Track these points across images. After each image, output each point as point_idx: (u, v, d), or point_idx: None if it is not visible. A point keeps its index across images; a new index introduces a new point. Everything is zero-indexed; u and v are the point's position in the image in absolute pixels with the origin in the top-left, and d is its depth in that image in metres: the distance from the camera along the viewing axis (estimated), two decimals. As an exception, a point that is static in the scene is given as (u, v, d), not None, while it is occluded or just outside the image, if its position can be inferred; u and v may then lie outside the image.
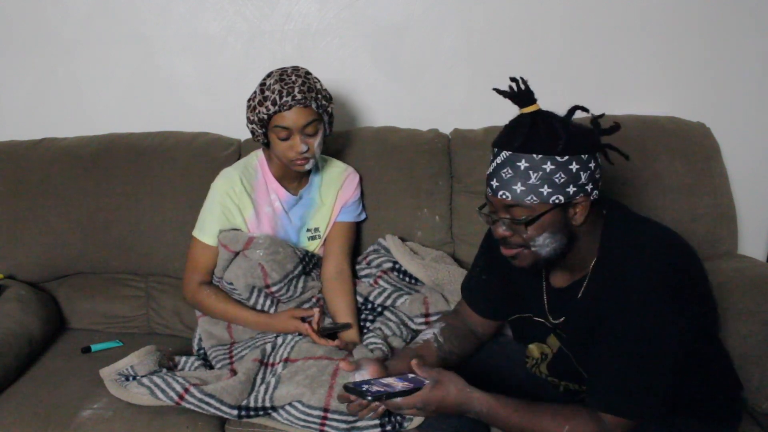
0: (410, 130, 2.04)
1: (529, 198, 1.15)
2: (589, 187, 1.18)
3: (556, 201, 1.16)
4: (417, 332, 1.68)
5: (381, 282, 1.79)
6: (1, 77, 2.15)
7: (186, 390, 1.48)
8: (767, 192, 2.19)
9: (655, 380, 1.17)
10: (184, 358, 1.69)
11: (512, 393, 1.25)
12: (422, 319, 1.69)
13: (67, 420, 1.49)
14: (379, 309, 1.73)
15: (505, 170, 1.17)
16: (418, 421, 1.43)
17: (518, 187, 1.16)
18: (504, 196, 1.17)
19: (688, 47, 2.09)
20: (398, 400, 1.20)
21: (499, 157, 1.19)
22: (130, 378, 1.55)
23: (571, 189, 1.16)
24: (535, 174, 1.14)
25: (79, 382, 1.62)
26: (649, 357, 1.16)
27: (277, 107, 1.57)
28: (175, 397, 1.48)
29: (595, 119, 1.24)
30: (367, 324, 1.73)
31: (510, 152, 1.17)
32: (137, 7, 2.08)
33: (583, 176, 1.16)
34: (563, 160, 1.14)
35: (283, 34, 2.10)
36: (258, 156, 1.78)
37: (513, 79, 1.21)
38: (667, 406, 1.20)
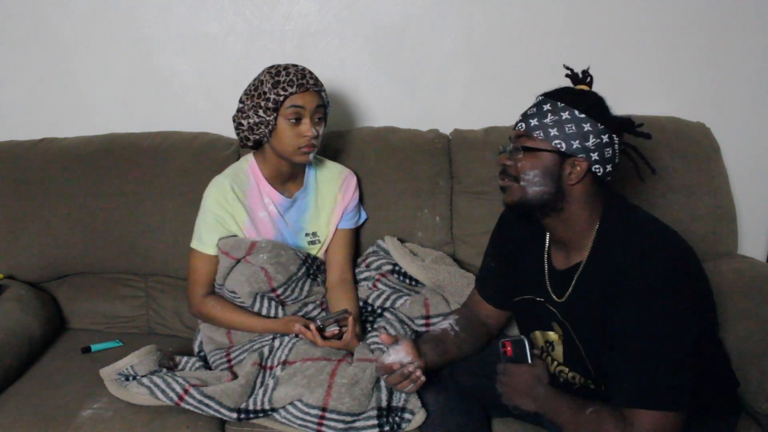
0: (410, 130, 2.04)
1: (537, 132, 1.27)
2: (593, 155, 1.25)
3: (558, 146, 1.25)
4: (418, 333, 1.68)
5: (380, 285, 1.78)
6: (1, 77, 2.15)
7: (186, 391, 1.49)
8: (767, 192, 2.19)
9: (676, 368, 1.18)
10: (185, 359, 1.69)
11: None
12: (423, 321, 1.69)
13: (67, 420, 1.49)
14: (380, 311, 1.73)
15: (532, 109, 1.31)
16: (417, 421, 1.44)
17: (533, 122, 1.28)
18: (519, 127, 1.31)
19: (688, 47, 2.09)
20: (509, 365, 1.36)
21: (534, 102, 1.32)
22: (130, 378, 1.55)
23: (576, 144, 1.24)
24: (552, 117, 1.26)
25: (79, 382, 1.63)
26: (665, 346, 1.17)
27: (294, 89, 1.60)
28: (175, 398, 1.48)
29: (633, 121, 1.33)
30: (367, 325, 1.73)
31: (543, 97, 1.31)
32: (137, 7, 2.08)
33: (592, 140, 1.24)
34: (580, 116, 1.25)
35: (282, 34, 2.10)
36: (248, 160, 1.76)
37: (584, 72, 1.36)
38: (690, 394, 1.20)
